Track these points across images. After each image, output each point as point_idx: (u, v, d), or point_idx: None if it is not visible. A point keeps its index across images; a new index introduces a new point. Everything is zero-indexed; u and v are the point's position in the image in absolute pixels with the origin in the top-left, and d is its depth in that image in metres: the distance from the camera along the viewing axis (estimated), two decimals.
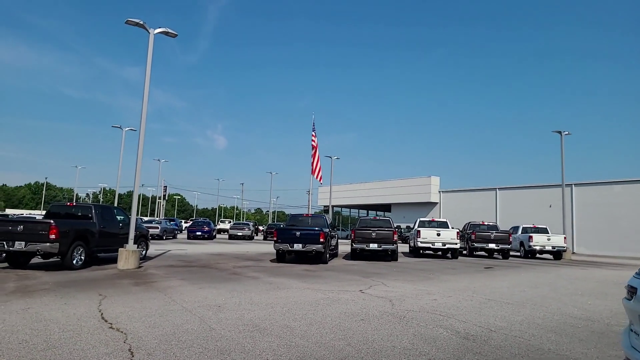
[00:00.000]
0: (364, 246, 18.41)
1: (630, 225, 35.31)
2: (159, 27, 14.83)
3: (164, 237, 32.19)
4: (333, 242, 18.78)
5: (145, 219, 38.72)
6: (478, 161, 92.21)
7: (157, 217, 66.36)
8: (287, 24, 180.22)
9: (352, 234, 18.95)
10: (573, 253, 32.53)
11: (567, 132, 31.29)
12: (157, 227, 30.86)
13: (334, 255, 19.86)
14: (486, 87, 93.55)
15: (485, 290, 10.61)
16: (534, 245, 25.36)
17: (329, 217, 19.81)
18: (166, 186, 68.07)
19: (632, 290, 3.11)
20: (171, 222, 38.21)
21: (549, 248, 25.39)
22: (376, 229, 18.68)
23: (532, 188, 43.79)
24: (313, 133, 31.29)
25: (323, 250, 15.80)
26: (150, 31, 14.54)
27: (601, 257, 32.01)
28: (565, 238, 26.62)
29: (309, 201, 55.96)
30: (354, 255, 18.99)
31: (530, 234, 25.96)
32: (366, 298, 8.76)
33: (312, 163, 30.83)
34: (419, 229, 22.09)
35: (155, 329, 5.74)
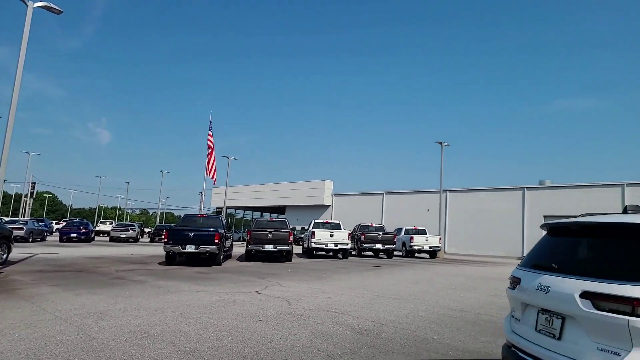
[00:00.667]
0: (259, 247, 18.30)
1: (493, 227, 40.02)
2: (40, 1, 13.19)
3: (30, 240, 28.60)
4: (228, 243, 18.36)
5: (6, 219, 33.92)
6: (368, 166, 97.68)
7: (21, 217, 58.70)
8: (183, 12, 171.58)
9: (248, 235, 18.72)
10: (445, 252, 35.88)
11: (446, 144, 34.50)
12: (22, 228, 27.31)
13: (228, 256, 19.43)
14: (378, 95, 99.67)
15: (375, 287, 11.21)
16: (414, 245, 27.53)
17: (223, 218, 19.31)
18: (34, 183, 60.50)
19: (515, 281, 3.51)
20: (39, 223, 34.01)
21: (426, 248, 27.76)
22: (272, 230, 18.69)
23: (414, 193, 47.45)
24: (210, 132, 30.33)
25: (217, 251, 15.36)
26: (28, 4, 12.86)
27: (469, 255, 35.77)
28: (440, 239, 29.34)
29: (201, 202, 54.07)
30: (249, 256, 18.78)
31: (412, 235, 28.13)
32: (263, 299, 8.71)
33: (208, 163, 29.86)
34: (314, 230, 22.60)
35: (20, 342, 5.05)
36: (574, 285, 2.77)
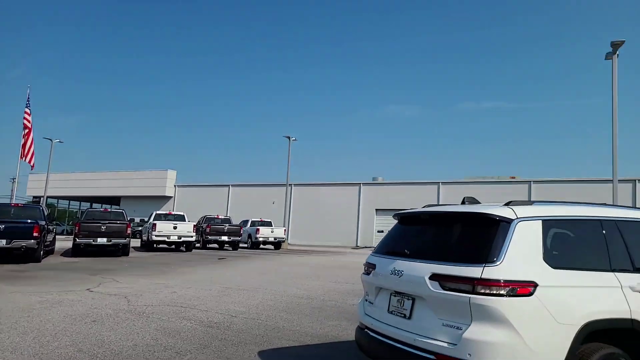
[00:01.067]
0: (90, 241, 16.33)
1: (332, 219, 42.88)
2: None
3: None
4: (50, 237, 15.95)
5: None
6: (215, 157, 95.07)
7: None
8: None
9: (77, 228, 16.56)
10: (289, 244, 37.24)
11: (294, 138, 35.63)
12: None
13: (50, 252, 16.90)
14: (227, 83, 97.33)
15: (222, 279, 10.98)
16: (260, 237, 27.88)
17: (45, 209, 16.72)
18: None
19: (370, 266, 3.74)
20: None
21: (272, 239, 28.38)
22: (107, 222, 16.86)
23: (260, 186, 48.00)
24: (27, 110, 25.85)
25: (36, 246, 13.22)
26: None
27: (310, 246, 37.69)
28: (285, 230, 30.27)
29: (13, 190, 45.91)
30: (77, 251, 16.63)
31: (258, 227, 28.42)
32: (96, 297, 7.78)
33: (24, 145, 25.41)
34: (155, 222, 21.13)
35: None
36: (424, 269, 3.07)
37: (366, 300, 3.81)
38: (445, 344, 2.80)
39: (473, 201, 3.68)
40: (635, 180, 32.41)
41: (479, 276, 2.73)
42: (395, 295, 3.35)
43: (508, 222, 2.92)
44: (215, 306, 7.31)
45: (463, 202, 3.73)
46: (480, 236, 2.97)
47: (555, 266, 2.83)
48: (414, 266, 3.17)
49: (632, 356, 2.84)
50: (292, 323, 6.26)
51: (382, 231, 40.50)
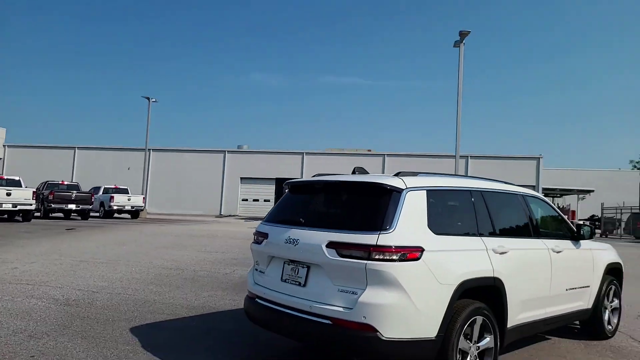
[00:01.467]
0: None
1: (195, 187, 41.32)
2: None
3: None
4: None
5: None
6: (56, 116, 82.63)
7: None
8: None
9: None
10: (147, 212, 34.95)
11: (154, 100, 32.98)
12: None
13: None
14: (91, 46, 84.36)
15: (74, 252, 9.83)
16: (115, 205, 25.56)
17: None
18: None
19: (262, 235, 3.64)
20: None
21: (128, 208, 26.25)
22: None
23: (113, 150, 43.71)
24: None
25: None
26: None
27: (171, 214, 35.93)
28: (144, 198, 28.25)
29: None
30: None
31: (112, 195, 25.97)
32: None
33: None
34: None
35: None
36: (320, 237, 3.10)
37: (256, 269, 3.75)
38: (341, 309, 2.90)
39: (362, 171, 3.82)
40: (468, 156, 37.63)
41: (374, 243, 2.86)
42: (289, 264, 3.35)
43: (399, 191, 3.09)
44: (70, 282, 6.52)
45: (354, 172, 3.84)
46: (374, 205, 3.10)
47: (437, 232, 3.11)
48: (310, 235, 3.19)
49: (493, 308, 3.31)
50: (164, 296, 5.92)
51: (247, 200, 40.51)
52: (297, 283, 3.23)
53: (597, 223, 33.42)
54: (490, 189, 3.84)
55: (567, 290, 4.15)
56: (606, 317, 4.74)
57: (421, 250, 2.93)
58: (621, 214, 31.65)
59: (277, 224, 3.57)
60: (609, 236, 29.69)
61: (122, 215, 27.56)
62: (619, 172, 48.30)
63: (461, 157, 35.22)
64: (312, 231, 3.20)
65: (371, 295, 2.82)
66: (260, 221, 3.92)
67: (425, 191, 3.23)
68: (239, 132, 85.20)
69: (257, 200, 39.86)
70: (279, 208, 3.80)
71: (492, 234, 3.55)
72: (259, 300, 3.51)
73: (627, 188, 39.75)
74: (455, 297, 3.00)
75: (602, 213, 32.24)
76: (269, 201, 37.64)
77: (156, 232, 16.48)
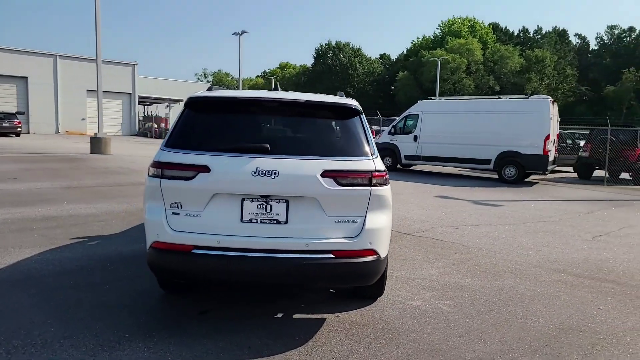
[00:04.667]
0: None
1: None
2: None
3: None
4: None
5: None
6: None
7: None
8: None
9: None
10: None
11: None
12: None
13: None
14: None
15: None
16: None
17: None
18: None
19: (197, 168, 2.57)
20: None
21: None
22: None
23: None
24: None
25: None
26: None
27: None
28: None
29: None
30: None
31: None
32: None
33: None
34: None
35: None
36: (311, 166, 2.66)
37: (173, 213, 2.69)
38: (343, 240, 2.73)
39: (219, 88, 3.32)
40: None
41: (373, 168, 2.79)
42: (253, 201, 2.68)
43: (361, 113, 3.04)
44: None
45: (210, 89, 3.30)
46: (352, 129, 2.92)
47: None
48: (294, 164, 2.68)
49: None
50: None
51: None
52: (274, 221, 2.68)
53: None
54: None
55: None
56: None
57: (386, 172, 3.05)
58: None
59: (225, 152, 2.68)
60: None
61: None
62: (192, 83, 54.34)
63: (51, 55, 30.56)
64: (296, 160, 2.68)
65: (373, 221, 2.81)
66: (162, 148, 2.76)
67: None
68: None
69: None
70: (217, 131, 2.82)
71: None
72: (200, 251, 2.63)
73: None
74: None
75: None
76: None
77: None
